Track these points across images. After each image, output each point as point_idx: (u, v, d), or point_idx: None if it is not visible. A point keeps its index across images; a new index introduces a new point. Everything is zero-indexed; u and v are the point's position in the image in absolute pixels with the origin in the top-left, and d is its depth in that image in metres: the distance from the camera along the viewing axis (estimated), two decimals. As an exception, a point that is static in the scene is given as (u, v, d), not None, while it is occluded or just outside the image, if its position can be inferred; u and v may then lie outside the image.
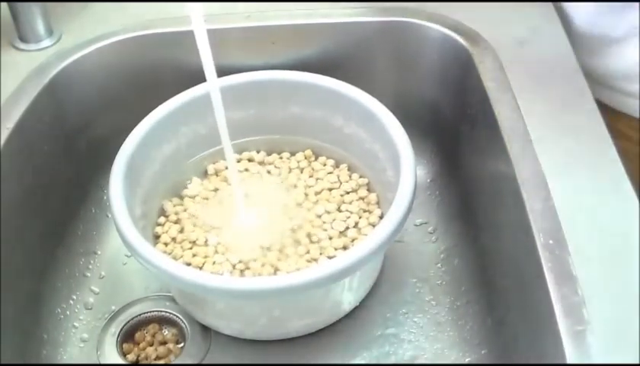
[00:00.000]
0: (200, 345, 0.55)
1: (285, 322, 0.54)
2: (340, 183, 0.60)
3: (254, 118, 0.62)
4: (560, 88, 0.56)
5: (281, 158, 0.63)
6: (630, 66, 0.63)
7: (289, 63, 0.63)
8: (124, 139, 0.55)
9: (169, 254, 0.55)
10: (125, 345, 0.55)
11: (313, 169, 0.61)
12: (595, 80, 0.62)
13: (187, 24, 0.48)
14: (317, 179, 0.60)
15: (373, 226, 0.56)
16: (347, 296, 0.54)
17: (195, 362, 0.54)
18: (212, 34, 0.47)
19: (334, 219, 0.57)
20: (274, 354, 0.54)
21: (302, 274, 0.47)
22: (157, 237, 0.57)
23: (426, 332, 0.56)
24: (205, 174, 0.62)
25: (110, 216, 0.63)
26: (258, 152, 0.63)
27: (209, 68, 0.49)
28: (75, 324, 0.57)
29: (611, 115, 0.58)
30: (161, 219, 0.58)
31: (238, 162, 0.62)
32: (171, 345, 0.55)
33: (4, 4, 0.62)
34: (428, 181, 0.66)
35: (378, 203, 0.59)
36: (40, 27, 0.62)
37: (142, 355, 0.55)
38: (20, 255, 0.54)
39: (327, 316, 0.55)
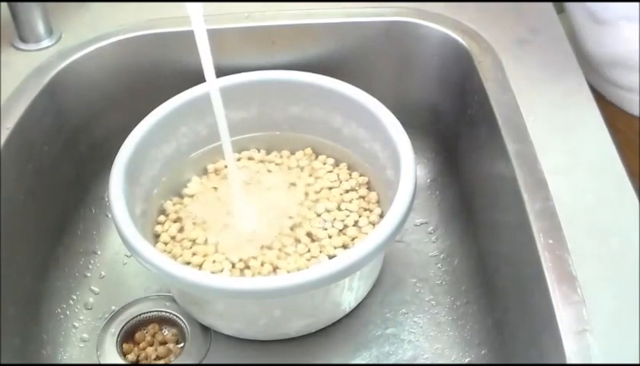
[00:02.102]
0: (200, 345, 0.55)
1: (285, 322, 0.54)
2: (340, 182, 0.60)
3: (254, 118, 0.62)
4: (560, 87, 0.56)
5: (281, 156, 0.63)
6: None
7: (289, 63, 0.63)
8: (124, 139, 0.55)
9: (169, 253, 0.55)
10: (125, 345, 0.55)
11: (313, 168, 0.61)
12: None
13: (187, 24, 0.48)
14: (317, 178, 0.60)
15: (373, 224, 0.56)
16: (347, 296, 0.54)
17: (195, 362, 0.54)
18: (212, 34, 0.47)
19: (334, 218, 0.57)
20: (274, 354, 0.54)
21: (303, 274, 0.47)
22: (157, 236, 0.57)
23: (426, 332, 0.56)
24: (205, 173, 0.62)
25: (110, 216, 0.63)
26: (258, 150, 0.63)
27: (208, 68, 0.49)
28: (75, 324, 0.57)
29: (611, 114, 0.58)
30: (161, 218, 0.58)
31: (238, 160, 0.62)
32: (171, 345, 0.55)
33: (4, 4, 0.62)
34: (428, 181, 0.66)
35: (378, 202, 0.59)
36: (40, 27, 0.62)
37: (142, 355, 0.55)
38: (20, 255, 0.54)
39: (327, 315, 0.55)
